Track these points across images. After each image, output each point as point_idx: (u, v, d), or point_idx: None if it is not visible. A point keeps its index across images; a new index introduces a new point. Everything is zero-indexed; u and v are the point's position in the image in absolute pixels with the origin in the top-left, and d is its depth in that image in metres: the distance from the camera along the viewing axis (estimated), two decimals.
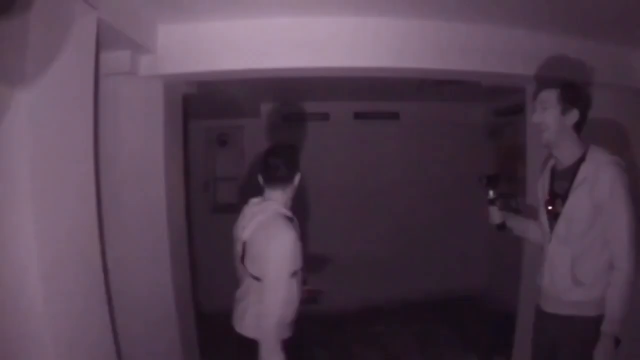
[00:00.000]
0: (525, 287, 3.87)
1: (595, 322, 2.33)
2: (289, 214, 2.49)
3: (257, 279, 2.37)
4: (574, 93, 2.44)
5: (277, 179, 2.49)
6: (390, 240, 6.48)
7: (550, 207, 2.52)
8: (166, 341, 3.30)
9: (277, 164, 2.49)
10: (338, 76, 3.64)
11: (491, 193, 2.75)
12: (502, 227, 2.79)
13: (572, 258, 2.38)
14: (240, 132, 6.29)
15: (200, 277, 5.19)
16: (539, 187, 2.71)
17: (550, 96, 2.42)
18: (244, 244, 2.47)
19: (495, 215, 2.75)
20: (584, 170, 2.36)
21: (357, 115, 6.50)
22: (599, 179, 2.30)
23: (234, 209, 6.05)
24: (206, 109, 5.40)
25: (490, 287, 6.71)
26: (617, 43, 3.59)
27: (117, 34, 2.58)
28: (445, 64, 3.33)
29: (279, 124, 6.17)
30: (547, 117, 2.41)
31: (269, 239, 2.31)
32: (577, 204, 2.36)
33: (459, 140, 6.68)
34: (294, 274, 2.33)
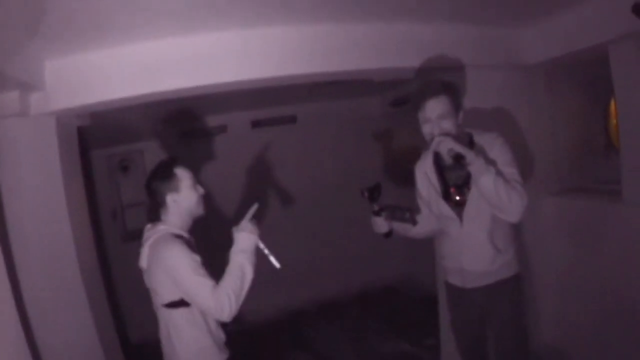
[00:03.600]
0: (442, 270, 4.11)
1: (515, 279, 2.69)
2: (180, 232, 2.39)
3: (170, 305, 2.29)
4: (458, 95, 2.60)
5: (154, 202, 2.45)
6: (304, 244, 6.62)
7: (458, 198, 2.64)
8: None
9: (147, 186, 2.45)
10: (230, 90, 3.69)
11: (374, 206, 2.77)
12: (388, 234, 2.84)
13: (488, 232, 2.58)
14: (140, 156, 6.20)
15: (122, 307, 5.11)
16: (420, 183, 2.86)
17: (445, 105, 2.47)
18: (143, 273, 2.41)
19: (381, 225, 2.79)
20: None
21: (255, 124, 6.55)
22: (492, 154, 2.51)
23: None
24: (104, 137, 5.31)
25: (407, 274, 7.02)
26: (499, 25, 3.88)
27: (3, 75, 2.52)
28: (334, 66, 3.47)
29: (177, 142, 6.13)
30: (447, 125, 2.47)
31: (158, 262, 2.25)
32: None
33: (360, 133, 6.95)
34: None
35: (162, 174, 2.41)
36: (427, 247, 4.29)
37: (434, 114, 2.47)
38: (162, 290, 2.29)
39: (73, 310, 3.17)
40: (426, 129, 2.53)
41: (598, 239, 3.81)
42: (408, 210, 2.73)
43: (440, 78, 2.76)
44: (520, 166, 2.58)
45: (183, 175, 2.42)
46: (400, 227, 2.84)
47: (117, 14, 2.59)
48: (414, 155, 2.99)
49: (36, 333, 2.82)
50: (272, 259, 2.47)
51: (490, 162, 2.45)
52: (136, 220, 6.08)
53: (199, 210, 2.47)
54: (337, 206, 6.70)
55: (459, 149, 2.35)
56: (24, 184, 3.03)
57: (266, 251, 2.47)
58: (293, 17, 3.22)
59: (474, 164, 2.36)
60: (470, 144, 2.57)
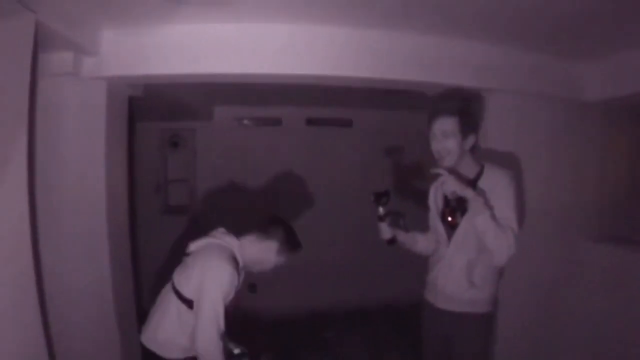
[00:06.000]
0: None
1: (486, 318, 2.69)
2: (238, 257, 2.51)
3: (183, 300, 2.40)
4: (472, 120, 2.66)
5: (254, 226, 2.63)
6: (341, 246, 6.54)
7: (450, 219, 2.70)
8: (106, 343, 3.28)
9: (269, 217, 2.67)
10: (289, 83, 3.69)
11: (380, 210, 2.84)
12: (392, 242, 2.91)
13: (468, 262, 2.63)
14: (192, 134, 6.30)
15: (150, 279, 5.18)
16: (431, 200, 2.90)
17: (452, 124, 2.55)
18: (185, 255, 2.58)
19: (385, 231, 2.87)
20: (483, 185, 2.58)
21: (310, 122, 6.54)
22: (495, 191, 2.54)
23: (185, 210, 6.14)
24: (159, 111, 5.40)
25: None
26: (563, 55, 3.72)
27: (59, 36, 2.60)
28: (393, 74, 3.41)
29: (231, 127, 6.21)
30: (450, 144, 2.55)
31: (204, 263, 2.38)
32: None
33: (411, 147, 6.78)
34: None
35: (291, 235, 2.66)
36: None
37: (439, 131, 2.59)
38: (183, 280, 2.42)
39: (93, 275, 3.23)
40: (432, 145, 2.65)
41: (635, 293, 3.58)
42: (402, 217, 2.88)
43: (459, 99, 2.86)
44: (520, 212, 2.64)
45: (294, 249, 2.66)
46: (408, 240, 2.96)
47: None
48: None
49: (52, 289, 2.88)
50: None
51: (492, 199, 2.51)
52: (178, 195, 6.24)
53: (261, 269, 2.65)
54: None
55: (460, 191, 2.47)
56: (65, 142, 3.11)
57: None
58: (359, 21, 3.18)
59: (473, 203, 2.46)
60: (478, 175, 2.63)
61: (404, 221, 2.87)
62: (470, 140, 2.60)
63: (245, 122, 6.34)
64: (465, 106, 2.64)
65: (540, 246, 3.71)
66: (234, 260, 2.44)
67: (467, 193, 2.46)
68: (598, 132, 4.10)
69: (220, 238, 2.55)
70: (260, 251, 2.57)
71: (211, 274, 2.32)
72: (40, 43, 2.52)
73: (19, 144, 2.20)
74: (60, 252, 3.07)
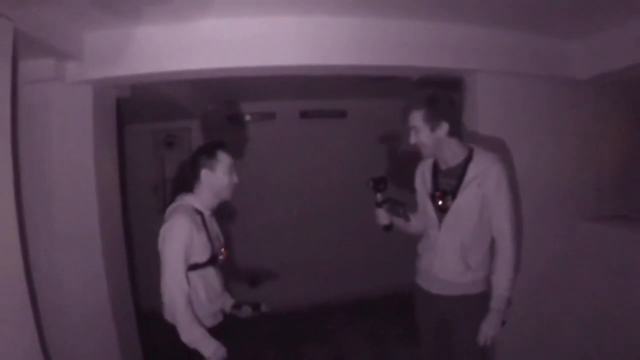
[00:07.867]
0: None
1: (481, 297, 2.68)
2: (201, 208, 2.63)
3: None
4: (437, 109, 2.58)
5: (192, 174, 2.68)
6: (339, 238, 6.56)
7: (440, 203, 2.69)
8: (103, 344, 3.29)
9: (191, 158, 2.71)
10: (279, 75, 3.63)
11: (378, 196, 2.87)
12: (389, 228, 2.95)
13: (462, 246, 2.65)
14: (187, 134, 6.32)
15: (152, 279, 5.19)
16: (418, 183, 2.95)
17: (418, 118, 2.59)
18: None
19: (382, 217, 2.90)
20: (473, 169, 2.61)
21: (304, 114, 6.53)
22: (487, 175, 2.57)
23: None
24: (152, 112, 5.40)
25: None
26: (549, 34, 3.67)
27: (40, 43, 2.58)
28: (378, 60, 3.36)
29: (224, 124, 6.22)
30: (421, 137, 2.62)
31: (164, 225, 2.49)
32: (468, 199, 2.60)
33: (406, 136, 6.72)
34: (193, 266, 2.51)
35: (206, 151, 2.66)
36: None
37: (410, 127, 2.65)
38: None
39: (88, 278, 3.25)
40: (409, 139, 2.70)
41: (634, 274, 3.52)
42: (403, 206, 2.83)
43: (431, 88, 2.76)
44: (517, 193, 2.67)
45: (223, 158, 2.67)
46: (401, 222, 2.95)
47: None
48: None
49: (47, 295, 2.91)
50: None
51: (485, 189, 2.58)
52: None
53: (226, 195, 2.71)
54: None
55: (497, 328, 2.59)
56: (54, 148, 3.11)
57: None
58: (342, 9, 3.13)
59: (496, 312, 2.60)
60: (467, 159, 2.65)
61: (404, 210, 2.84)
62: (444, 128, 2.58)
63: (239, 118, 6.33)
64: (433, 95, 2.61)
65: (537, 228, 3.68)
66: (195, 212, 2.57)
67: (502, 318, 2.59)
68: (591, 109, 4.06)
69: (180, 199, 2.65)
70: (212, 184, 2.64)
71: (163, 235, 2.47)
72: (21, 50, 2.53)
73: (1, 151, 2.19)
74: (54, 255, 3.09)
